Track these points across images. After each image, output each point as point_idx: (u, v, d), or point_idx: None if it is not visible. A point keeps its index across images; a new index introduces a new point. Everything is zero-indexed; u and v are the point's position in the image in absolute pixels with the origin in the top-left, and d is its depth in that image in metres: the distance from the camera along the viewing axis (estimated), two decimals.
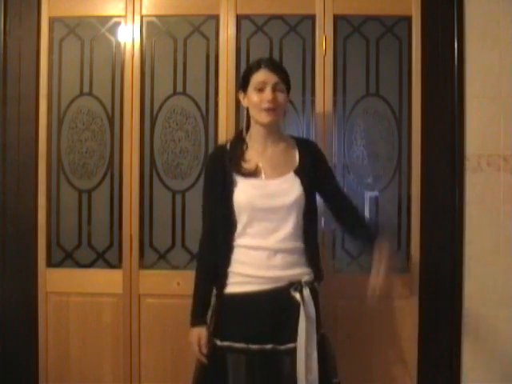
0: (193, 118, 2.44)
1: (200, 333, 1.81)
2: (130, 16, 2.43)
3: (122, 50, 2.44)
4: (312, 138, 2.38)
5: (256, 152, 1.86)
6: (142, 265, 2.43)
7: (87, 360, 2.44)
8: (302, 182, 1.80)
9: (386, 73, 2.41)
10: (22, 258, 2.42)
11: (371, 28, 2.40)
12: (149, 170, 2.44)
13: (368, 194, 2.42)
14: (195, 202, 2.41)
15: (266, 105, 1.79)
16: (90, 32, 2.45)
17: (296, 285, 1.76)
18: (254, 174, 1.80)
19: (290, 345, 1.73)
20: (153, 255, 2.45)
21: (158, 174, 2.44)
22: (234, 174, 1.81)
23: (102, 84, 2.46)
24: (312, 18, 2.39)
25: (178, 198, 2.45)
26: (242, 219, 1.78)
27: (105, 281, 2.42)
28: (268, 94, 1.78)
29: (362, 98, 2.41)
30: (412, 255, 2.36)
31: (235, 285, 1.79)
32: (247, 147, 1.87)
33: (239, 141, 1.89)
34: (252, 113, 1.84)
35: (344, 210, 1.97)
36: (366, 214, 2.40)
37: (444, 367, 2.33)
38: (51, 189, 2.46)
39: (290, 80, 1.88)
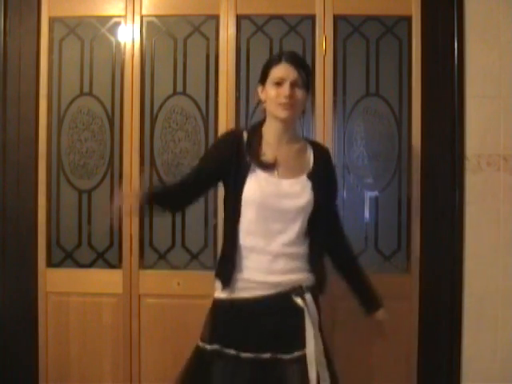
0: (193, 118, 2.44)
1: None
2: (130, 16, 2.43)
3: (122, 50, 2.44)
4: (312, 138, 2.38)
5: (271, 148, 1.77)
6: (142, 265, 2.43)
7: (87, 360, 2.44)
8: (314, 187, 1.73)
9: (386, 73, 2.41)
10: (22, 258, 2.42)
11: (371, 28, 2.40)
12: (149, 170, 2.44)
13: (368, 194, 2.42)
14: None
15: (283, 100, 1.71)
16: (90, 32, 2.46)
17: (298, 290, 1.70)
18: (270, 167, 1.72)
19: (297, 353, 1.67)
20: (153, 255, 2.45)
21: (158, 174, 2.44)
22: (251, 163, 1.73)
23: (102, 84, 2.46)
24: (312, 17, 2.39)
25: None
26: (247, 214, 1.71)
27: (105, 281, 2.42)
28: (286, 89, 1.71)
29: (362, 98, 2.41)
30: (412, 255, 2.36)
31: (237, 290, 1.72)
32: (262, 139, 1.79)
33: (257, 132, 1.80)
34: (269, 107, 1.76)
35: (333, 235, 1.88)
36: (366, 214, 2.41)
37: (444, 367, 2.33)
38: (51, 189, 2.46)
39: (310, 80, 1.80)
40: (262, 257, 1.71)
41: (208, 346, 1.71)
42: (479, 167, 2.30)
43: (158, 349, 2.40)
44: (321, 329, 1.74)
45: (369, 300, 1.90)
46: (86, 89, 2.47)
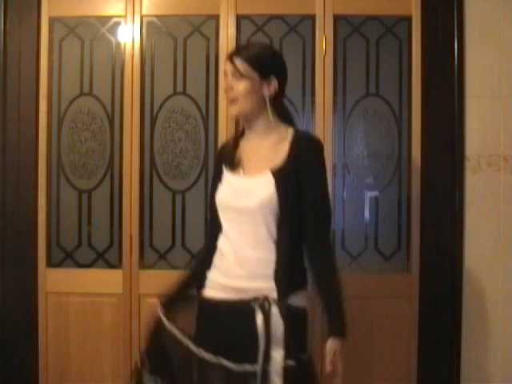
0: (193, 118, 2.44)
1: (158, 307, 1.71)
2: (130, 16, 2.43)
3: (122, 50, 2.43)
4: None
5: (245, 145, 1.69)
6: (142, 265, 2.43)
7: (87, 360, 2.44)
8: (278, 184, 1.54)
9: (386, 73, 2.41)
10: (22, 258, 2.42)
11: (371, 28, 2.40)
12: (149, 170, 2.44)
13: (368, 194, 2.42)
14: (195, 202, 2.42)
15: (225, 95, 1.65)
16: (90, 32, 2.45)
17: (260, 300, 1.52)
18: (233, 165, 1.64)
19: (247, 366, 1.50)
20: (153, 255, 2.45)
21: (158, 174, 2.44)
22: (224, 167, 1.68)
23: (102, 84, 2.46)
24: (312, 18, 2.39)
25: (178, 198, 2.45)
26: (220, 217, 1.64)
27: (105, 281, 2.42)
28: (224, 83, 1.63)
29: (362, 98, 2.41)
30: (412, 255, 2.36)
31: (207, 288, 1.64)
32: (242, 140, 1.71)
33: (239, 134, 1.74)
34: None
35: (308, 243, 1.61)
36: (366, 214, 2.41)
37: (444, 367, 2.33)
38: (51, 189, 2.46)
39: (274, 64, 1.65)
40: (227, 259, 1.60)
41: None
42: (479, 167, 2.30)
43: None
44: (298, 349, 1.54)
45: (328, 323, 1.57)
46: (86, 89, 2.47)
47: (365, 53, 2.41)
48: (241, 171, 1.63)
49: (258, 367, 1.48)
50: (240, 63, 1.60)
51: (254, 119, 1.65)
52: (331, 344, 1.53)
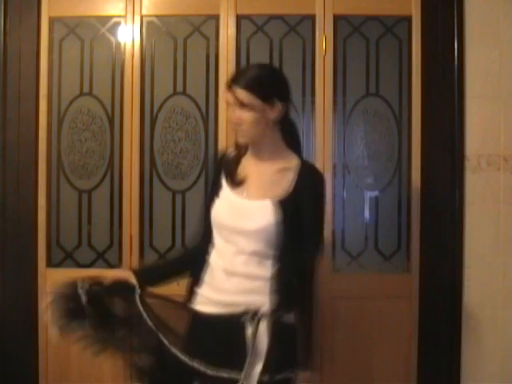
0: (193, 118, 2.44)
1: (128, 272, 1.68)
2: (130, 16, 2.42)
3: (122, 50, 2.44)
4: (312, 138, 2.38)
5: (249, 165, 1.66)
6: (142, 265, 2.43)
7: (87, 360, 2.43)
8: (279, 214, 1.54)
9: (386, 73, 2.41)
10: (22, 258, 2.42)
11: (371, 28, 2.40)
12: (149, 169, 2.44)
13: (368, 194, 2.42)
14: (195, 201, 2.42)
15: (233, 126, 1.62)
16: (90, 32, 2.45)
17: (251, 314, 1.52)
18: (237, 185, 1.63)
19: (224, 374, 1.49)
20: (153, 255, 2.45)
21: (158, 174, 2.44)
22: (224, 181, 1.66)
23: (102, 84, 2.46)
24: (312, 18, 2.39)
25: (178, 197, 2.45)
26: (214, 232, 1.64)
27: None
28: (231, 115, 1.60)
29: (362, 98, 2.41)
30: (412, 255, 2.36)
31: (198, 304, 1.63)
32: (245, 157, 1.68)
33: (241, 148, 1.70)
34: None
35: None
36: (366, 214, 2.41)
37: (444, 367, 2.33)
38: (51, 189, 2.46)
39: (277, 88, 1.61)
40: (217, 274, 1.60)
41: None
42: (479, 167, 2.30)
43: None
44: (284, 365, 1.50)
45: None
46: (86, 89, 2.47)
47: (365, 53, 2.41)
48: (244, 192, 1.61)
49: (242, 376, 1.48)
50: (240, 92, 1.55)
51: (260, 143, 1.63)
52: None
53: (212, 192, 1.69)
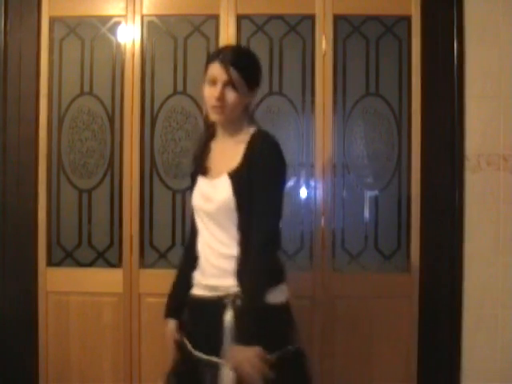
0: (193, 118, 2.44)
1: (170, 325, 1.74)
2: (130, 16, 2.43)
3: (123, 50, 2.44)
4: (312, 137, 2.39)
5: (216, 146, 1.69)
6: (143, 264, 2.43)
7: (87, 360, 2.44)
8: (234, 187, 1.54)
9: (385, 73, 2.41)
10: (22, 258, 2.42)
11: (371, 28, 2.40)
12: (149, 169, 2.44)
13: (368, 194, 2.42)
14: None
15: (213, 102, 1.57)
16: (91, 32, 2.46)
17: (232, 297, 1.54)
18: (203, 171, 1.66)
19: (214, 358, 1.55)
20: (153, 254, 2.45)
21: (159, 174, 2.45)
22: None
23: (103, 84, 2.46)
24: (312, 18, 2.39)
25: (178, 197, 2.45)
26: (196, 219, 1.69)
27: (105, 280, 2.42)
28: (216, 90, 1.56)
29: (362, 98, 2.42)
30: (412, 255, 2.36)
31: (194, 287, 1.69)
32: (214, 141, 1.70)
33: (207, 134, 1.72)
34: (206, 107, 1.64)
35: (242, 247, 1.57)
36: (366, 213, 2.41)
37: (444, 367, 2.33)
38: (51, 189, 2.46)
39: (259, 76, 1.65)
40: (202, 258, 1.65)
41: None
42: (479, 167, 2.30)
43: (158, 348, 2.39)
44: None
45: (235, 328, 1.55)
46: (86, 88, 2.47)
47: (364, 53, 2.41)
48: (208, 174, 1.65)
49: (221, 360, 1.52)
50: (235, 75, 1.56)
51: (231, 124, 1.64)
52: (232, 350, 1.49)
53: (192, 184, 1.73)
